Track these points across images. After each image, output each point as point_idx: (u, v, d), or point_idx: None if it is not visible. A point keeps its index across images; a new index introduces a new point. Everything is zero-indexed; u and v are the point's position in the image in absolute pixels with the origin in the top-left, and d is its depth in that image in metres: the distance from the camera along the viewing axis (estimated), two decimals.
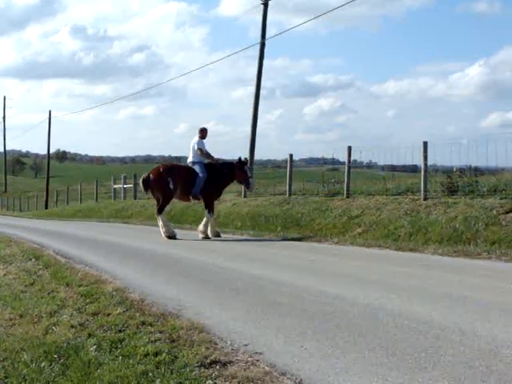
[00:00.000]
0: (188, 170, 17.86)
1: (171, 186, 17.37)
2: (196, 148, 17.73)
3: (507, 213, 13.79)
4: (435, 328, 5.88)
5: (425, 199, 16.73)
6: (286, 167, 23.73)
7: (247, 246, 15.09)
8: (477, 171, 19.21)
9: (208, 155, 17.89)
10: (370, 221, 16.58)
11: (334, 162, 27.74)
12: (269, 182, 29.74)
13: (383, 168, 26.68)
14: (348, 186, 20.24)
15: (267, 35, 31.28)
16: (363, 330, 5.92)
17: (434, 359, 4.86)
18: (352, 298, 7.59)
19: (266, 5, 30.50)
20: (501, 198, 15.01)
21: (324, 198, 20.58)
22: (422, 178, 17.02)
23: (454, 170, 18.32)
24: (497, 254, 11.35)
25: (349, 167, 20.31)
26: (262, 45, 30.46)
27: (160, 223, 17.67)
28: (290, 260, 11.79)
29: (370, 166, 27.40)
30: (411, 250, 12.90)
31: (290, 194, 22.95)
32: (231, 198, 25.83)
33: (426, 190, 16.99)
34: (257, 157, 37.66)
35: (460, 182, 17.42)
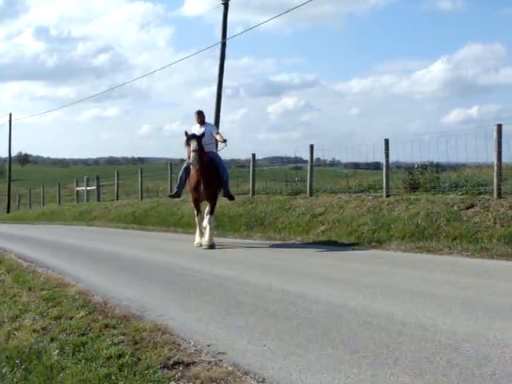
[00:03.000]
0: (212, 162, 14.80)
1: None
2: (215, 133, 15.11)
3: (468, 208, 13.93)
4: (397, 324, 5.93)
5: (387, 196, 16.84)
6: (249, 166, 23.75)
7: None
8: (439, 167, 19.36)
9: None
10: (333, 218, 16.64)
11: (296, 160, 27.82)
12: (232, 182, 29.72)
13: (346, 166, 26.81)
14: (311, 185, 20.29)
15: (232, 34, 31.35)
16: (326, 327, 5.95)
17: (395, 355, 4.90)
18: (315, 296, 7.62)
19: (226, 5, 30.44)
20: (462, 194, 15.16)
21: (287, 197, 20.62)
22: (384, 175, 17.13)
23: (416, 166, 18.45)
24: (458, 250, 11.48)
25: (311, 166, 20.37)
26: (223, 45, 30.38)
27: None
28: (254, 259, 11.81)
29: (333, 164, 27.48)
30: (374, 246, 13.00)
31: (253, 194, 22.96)
32: None
33: (388, 187, 17.10)
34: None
35: (422, 178, 17.55)
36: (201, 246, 14.59)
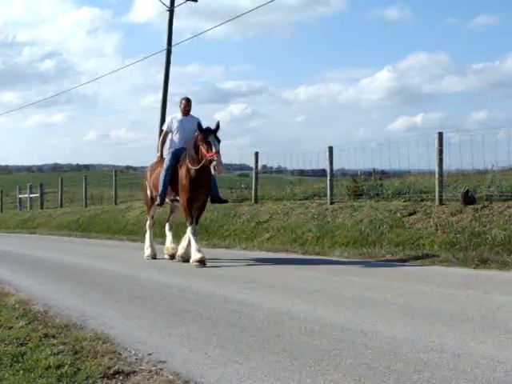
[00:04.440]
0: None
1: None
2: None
3: (410, 215, 14.14)
4: (338, 331, 5.97)
5: (331, 203, 16.98)
6: None
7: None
8: (383, 174, 19.57)
9: None
10: (278, 226, 16.72)
11: (242, 167, 27.88)
12: None
13: (293, 173, 26.88)
14: (256, 192, 20.36)
15: (181, 41, 31.15)
16: (268, 334, 5.95)
17: (335, 361, 4.92)
18: (258, 303, 7.64)
19: (171, 12, 30.35)
20: (404, 201, 15.37)
21: (233, 204, 20.60)
22: (328, 182, 17.27)
23: (359, 173, 18.66)
24: (400, 256, 11.62)
25: (256, 173, 20.42)
26: (169, 51, 30.27)
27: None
28: (198, 267, 11.76)
29: (279, 171, 27.52)
30: (318, 253, 13.08)
31: None
32: (139, 205, 25.60)
33: (332, 194, 17.25)
34: None
35: (365, 185, 17.73)
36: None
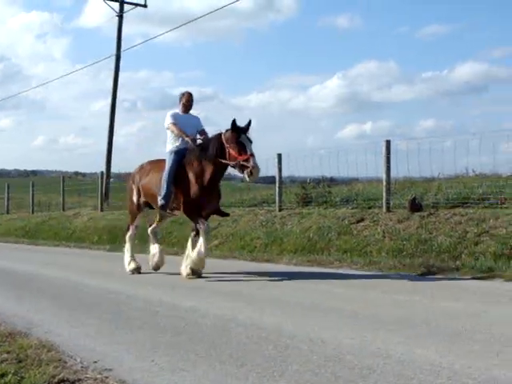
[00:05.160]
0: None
1: None
2: (201, 131, 11.61)
3: (358, 222, 14.28)
4: (285, 337, 5.99)
5: (280, 210, 17.05)
6: None
7: (103, 261, 14.89)
8: (332, 182, 19.67)
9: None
10: (227, 232, 16.73)
11: None
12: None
13: (242, 180, 26.94)
14: None
15: (131, 46, 31.08)
16: (215, 341, 5.95)
17: (282, 368, 4.94)
18: (205, 310, 7.63)
19: (120, 17, 30.23)
20: (352, 208, 15.49)
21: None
22: (277, 189, 17.35)
23: (308, 181, 18.76)
24: (348, 263, 11.73)
25: None
26: (118, 57, 30.13)
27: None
28: (145, 275, 11.70)
29: (230, 177, 27.52)
30: (266, 260, 13.12)
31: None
32: (87, 212, 25.41)
33: (280, 201, 17.33)
34: (115, 169, 37.23)
35: (314, 192, 17.83)
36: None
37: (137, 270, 12.09)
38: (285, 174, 18.13)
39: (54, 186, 36.35)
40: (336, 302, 7.91)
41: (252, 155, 10.11)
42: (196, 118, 11.85)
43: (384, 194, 14.60)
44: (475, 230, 12.07)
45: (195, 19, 28.73)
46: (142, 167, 12.33)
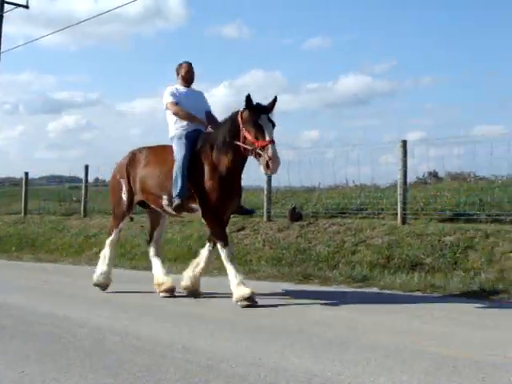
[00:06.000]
0: None
1: None
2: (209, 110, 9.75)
3: (239, 231, 14.40)
4: (161, 346, 5.96)
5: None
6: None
7: None
8: None
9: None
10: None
11: (74, 180, 27.46)
12: (6, 201, 28.68)
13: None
14: (85, 205, 20.08)
15: (11, 47, 30.16)
16: (90, 351, 5.86)
17: (156, 377, 4.90)
18: (82, 318, 7.51)
19: (0, 17, 29.42)
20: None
21: (61, 217, 20.25)
22: None
23: None
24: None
25: (86, 186, 20.18)
26: None
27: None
28: (21, 281, 11.43)
29: (104, 184, 27.35)
30: (146, 268, 13.01)
31: (25, 213, 22.36)
32: None
33: None
34: None
35: None
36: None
37: (104, 287, 9.96)
38: None
39: None
40: (212, 311, 7.96)
41: (271, 142, 8.06)
42: (200, 94, 9.78)
43: (265, 204, 14.77)
44: (352, 240, 12.38)
45: (79, 22, 28.51)
46: (133, 156, 9.84)
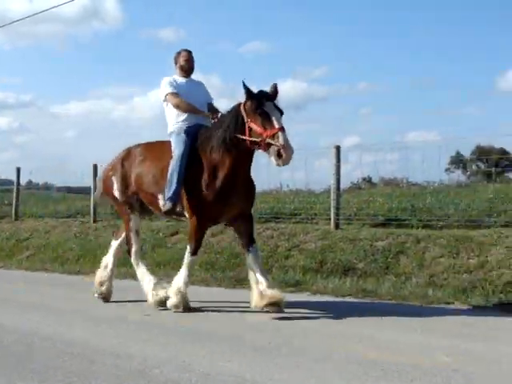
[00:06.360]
0: None
1: None
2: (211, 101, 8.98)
3: (172, 235, 14.33)
4: (91, 352, 5.90)
5: (94, 222, 16.84)
6: None
7: None
8: None
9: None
10: (39, 244, 16.31)
11: (5, 182, 27.06)
12: None
13: (60, 189, 26.44)
14: (17, 209, 19.79)
15: None
16: (19, 357, 5.77)
17: (86, 383, 4.86)
18: (11, 323, 7.40)
19: None
20: (168, 221, 15.51)
21: None
22: (92, 200, 17.10)
23: None
24: (160, 276, 11.68)
25: (18, 189, 19.90)
26: None
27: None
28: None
29: (47, 187, 26.96)
30: (78, 272, 12.89)
31: None
32: None
33: (95, 213, 17.10)
34: None
35: None
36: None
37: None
38: None
39: None
40: (138, 316, 7.89)
41: (281, 129, 7.28)
42: (201, 85, 9.00)
43: None
44: (286, 245, 12.43)
45: (12, 22, 27.86)
46: (129, 152, 9.00)
